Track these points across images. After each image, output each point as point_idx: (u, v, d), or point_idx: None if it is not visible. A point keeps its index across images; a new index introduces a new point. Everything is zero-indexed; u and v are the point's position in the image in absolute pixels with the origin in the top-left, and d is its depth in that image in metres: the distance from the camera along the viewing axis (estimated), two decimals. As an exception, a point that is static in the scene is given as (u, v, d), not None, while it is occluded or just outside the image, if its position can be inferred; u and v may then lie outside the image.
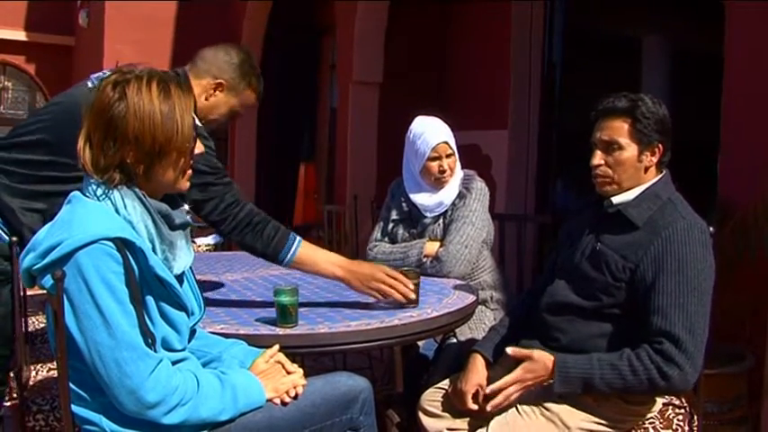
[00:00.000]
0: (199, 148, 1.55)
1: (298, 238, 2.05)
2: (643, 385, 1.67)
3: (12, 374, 2.00)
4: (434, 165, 2.58)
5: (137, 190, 1.45)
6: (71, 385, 1.40)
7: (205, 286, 2.29)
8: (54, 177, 1.99)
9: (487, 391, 1.79)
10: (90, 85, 2.04)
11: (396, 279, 1.99)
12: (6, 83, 9.52)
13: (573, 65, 5.13)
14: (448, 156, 2.59)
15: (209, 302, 1.86)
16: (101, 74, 2.04)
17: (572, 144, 3.75)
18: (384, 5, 5.17)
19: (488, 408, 1.77)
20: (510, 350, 1.79)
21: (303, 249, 2.03)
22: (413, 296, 2.00)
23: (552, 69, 5.09)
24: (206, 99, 2.14)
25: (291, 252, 2.02)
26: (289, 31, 7.10)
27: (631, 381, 1.67)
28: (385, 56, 5.26)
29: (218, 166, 2.03)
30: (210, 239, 6.38)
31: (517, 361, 1.78)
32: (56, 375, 2.11)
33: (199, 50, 2.19)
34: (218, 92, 2.15)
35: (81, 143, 1.45)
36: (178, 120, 1.45)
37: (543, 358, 1.74)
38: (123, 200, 1.43)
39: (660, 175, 1.86)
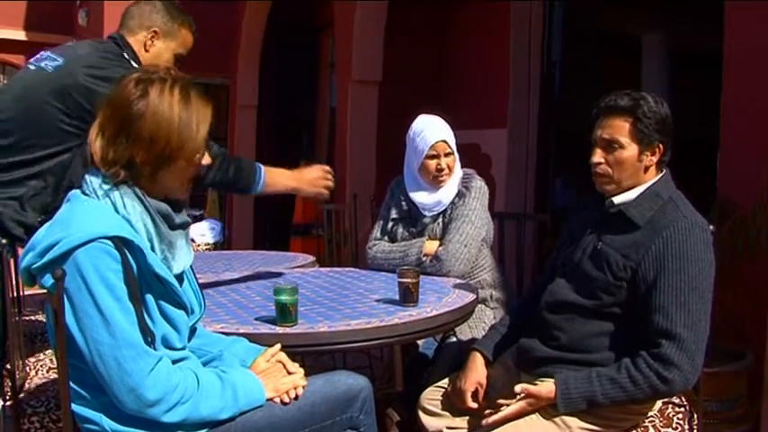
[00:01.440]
0: (206, 159, 1.54)
1: (259, 165, 2.19)
2: (646, 393, 1.67)
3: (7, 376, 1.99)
4: (432, 163, 2.57)
5: (137, 189, 1.45)
6: (71, 384, 1.39)
7: (205, 285, 2.29)
8: (21, 162, 2.03)
9: (483, 423, 1.78)
10: (32, 68, 2.12)
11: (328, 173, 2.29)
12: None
13: (572, 63, 5.12)
14: (446, 155, 2.58)
15: (208, 301, 1.86)
16: (39, 55, 2.13)
17: (571, 142, 3.75)
18: (383, 4, 5.17)
19: (483, 423, 1.77)
20: (519, 388, 1.75)
21: (266, 175, 2.20)
22: (331, 184, 2.27)
23: (551, 68, 5.08)
24: (146, 50, 2.23)
25: (261, 181, 2.18)
26: (288, 31, 7.10)
27: (633, 391, 1.67)
28: (384, 55, 5.26)
29: None
30: (210, 238, 6.37)
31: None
32: (51, 376, 2.11)
33: (123, 12, 2.27)
34: (155, 41, 2.23)
35: (93, 134, 1.45)
36: (194, 128, 1.46)
37: (548, 393, 1.73)
38: (122, 199, 1.43)
39: (660, 174, 1.85)
